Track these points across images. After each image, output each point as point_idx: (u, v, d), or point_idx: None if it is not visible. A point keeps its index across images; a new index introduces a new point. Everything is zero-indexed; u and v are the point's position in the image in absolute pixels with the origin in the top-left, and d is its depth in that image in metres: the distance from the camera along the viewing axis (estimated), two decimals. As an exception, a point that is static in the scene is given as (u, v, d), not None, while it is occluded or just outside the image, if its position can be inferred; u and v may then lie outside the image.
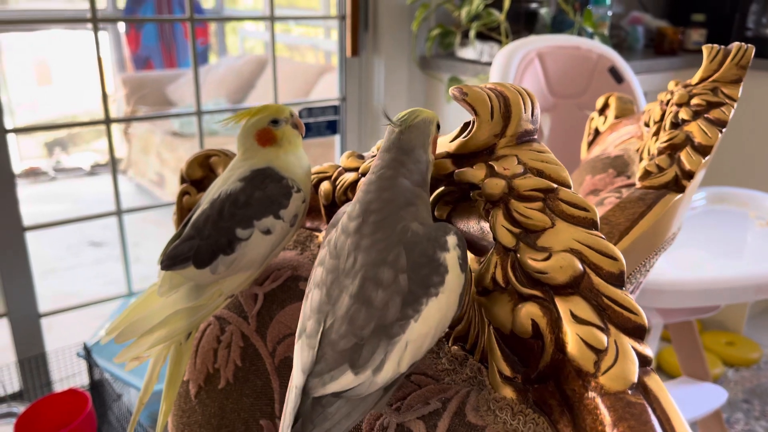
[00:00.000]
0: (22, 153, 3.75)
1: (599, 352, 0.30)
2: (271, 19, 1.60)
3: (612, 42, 1.82)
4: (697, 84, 0.62)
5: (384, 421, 0.38)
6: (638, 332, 0.31)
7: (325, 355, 0.33)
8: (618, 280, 0.33)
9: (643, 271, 0.57)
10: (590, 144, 0.91)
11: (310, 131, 1.69)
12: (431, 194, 0.41)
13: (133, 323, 0.45)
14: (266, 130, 0.48)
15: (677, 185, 0.57)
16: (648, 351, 0.31)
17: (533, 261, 0.34)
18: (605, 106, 0.89)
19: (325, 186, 0.50)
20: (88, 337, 1.44)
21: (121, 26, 3.70)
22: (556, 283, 0.33)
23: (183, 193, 0.60)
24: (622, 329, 0.31)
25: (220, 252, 0.45)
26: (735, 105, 0.59)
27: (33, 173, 3.59)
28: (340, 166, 0.49)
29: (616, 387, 0.29)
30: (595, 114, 0.91)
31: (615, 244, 0.51)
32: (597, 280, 0.33)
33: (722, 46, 0.62)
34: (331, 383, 0.33)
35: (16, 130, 1.43)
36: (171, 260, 0.45)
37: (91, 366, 1.32)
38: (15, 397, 1.36)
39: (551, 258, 0.33)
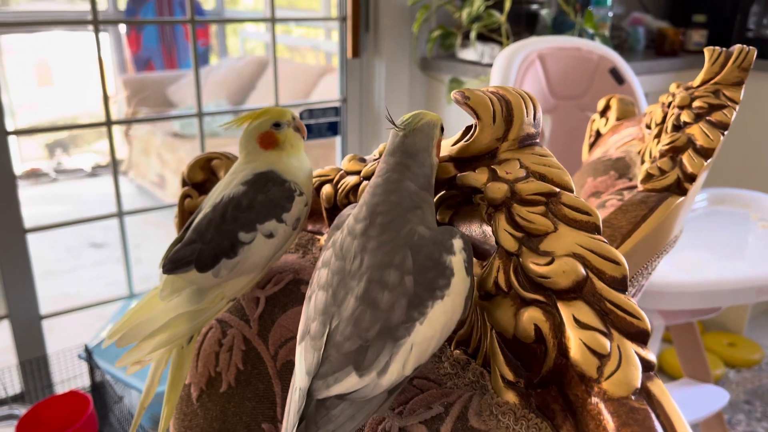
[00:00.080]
0: (23, 154, 3.75)
1: (602, 357, 0.30)
2: (272, 20, 1.60)
3: (613, 43, 1.82)
4: (698, 86, 0.62)
5: (386, 425, 0.38)
6: (641, 337, 0.31)
7: (330, 357, 0.33)
8: (621, 284, 0.33)
9: (645, 274, 0.57)
10: (591, 146, 0.91)
11: (311, 132, 1.69)
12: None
13: (135, 327, 0.45)
14: (268, 133, 0.48)
15: (679, 188, 0.57)
16: (651, 356, 0.31)
17: (536, 265, 0.34)
18: (606, 107, 0.89)
19: (326, 189, 0.50)
20: (89, 338, 1.44)
21: (122, 27, 3.70)
22: (558, 288, 0.33)
23: (184, 196, 0.60)
24: (625, 334, 0.31)
25: (222, 256, 0.45)
26: (737, 107, 0.59)
27: (34, 174, 3.60)
28: (341, 170, 0.49)
29: (620, 392, 0.29)
30: (596, 116, 0.91)
31: (617, 248, 0.51)
32: (600, 285, 0.33)
33: (724, 49, 0.62)
34: (336, 385, 0.33)
35: (17, 132, 1.43)
36: (173, 264, 0.45)
37: (93, 368, 1.32)
38: (16, 399, 1.36)
39: (554, 262, 0.33)
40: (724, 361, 1.80)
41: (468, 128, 0.40)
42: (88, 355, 1.31)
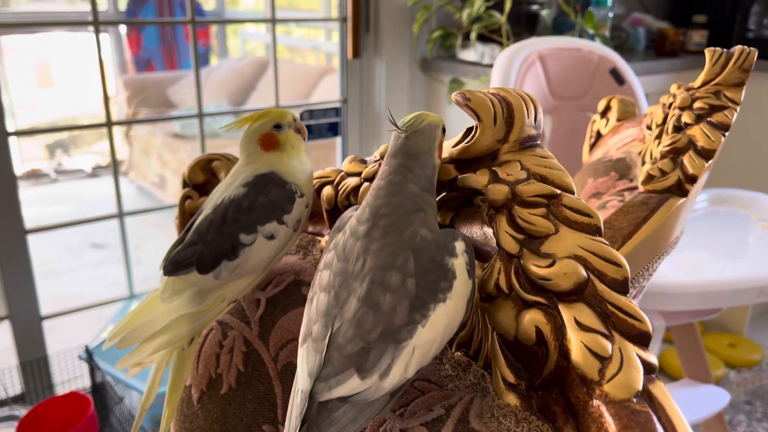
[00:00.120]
0: (24, 155, 3.75)
1: (603, 359, 0.30)
2: (273, 21, 1.60)
3: (613, 43, 1.82)
4: (699, 87, 0.62)
5: (387, 426, 0.38)
6: (643, 339, 0.31)
7: (332, 359, 0.33)
8: (622, 286, 0.33)
9: (646, 275, 0.57)
10: (592, 146, 0.91)
11: (312, 133, 1.69)
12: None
13: (136, 329, 0.45)
14: (269, 134, 0.48)
15: (680, 189, 0.57)
16: (653, 358, 0.31)
17: (537, 267, 0.34)
18: (607, 108, 0.89)
19: (327, 191, 0.50)
20: (90, 339, 1.44)
21: (123, 28, 3.71)
22: (560, 290, 0.33)
23: (185, 198, 0.60)
24: (626, 336, 0.31)
25: (223, 257, 0.45)
26: (738, 108, 0.59)
27: (34, 175, 3.60)
28: (342, 171, 0.49)
29: (621, 395, 0.29)
30: (596, 116, 0.91)
31: (618, 249, 0.51)
32: (601, 287, 0.33)
33: (725, 50, 0.62)
34: (338, 387, 0.33)
35: (18, 133, 1.43)
36: (174, 266, 0.45)
37: (93, 369, 1.32)
38: (17, 400, 1.36)
39: (555, 264, 0.33)
40: (724, 361, 1.80)
41: (469, 130, 0.40)
42: (89, 356, 1.31)
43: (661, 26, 1.95)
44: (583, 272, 0.33)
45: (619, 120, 0.86)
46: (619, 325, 0.32)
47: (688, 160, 0.57)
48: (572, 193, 0.36)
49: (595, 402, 0.30)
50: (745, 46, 0.61)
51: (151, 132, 3.21)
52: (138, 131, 3.36)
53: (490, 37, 1.59)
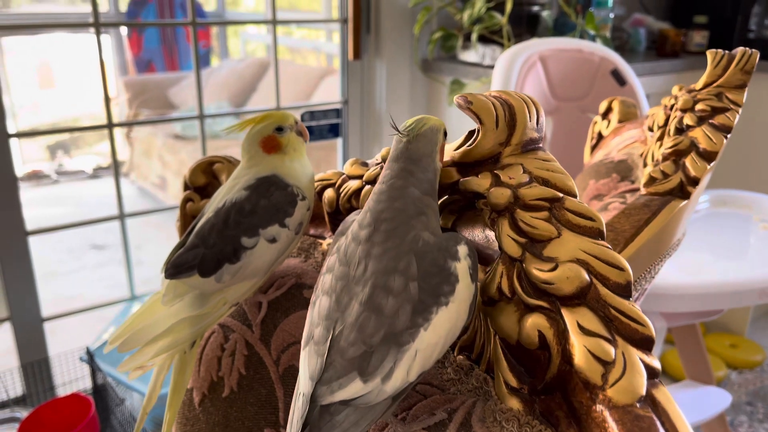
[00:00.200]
0: (25, 156, 3.76)
1: (607, 364, 0.30)
2: (273, 22, 1.60)
3: (614, 44, 1.82)
4: (701, 89, 0.62)
5: (390, 431, 0.38)
6: (646, 344, 0.31)
7: (334, 363, 0.33)
8: (625, 290, 0.33)
9: (648, 277, 0.57)
10: (593, 148, 0.91)
11: (312, 134, 1.69)
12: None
13: (137, 332, 0.45)
14: (271, 137, 0.48)
15: (682, 191, 0.57)
16: (656, 363, 0.31)
17: (539, 271, 0.33)
18: (608, 109, 0.89)
19: (328, 193, 0.49)
20: (91, 340, 1.44)
21: (123, 29, 3.71)
22: (562, 294, 0.33)
23: (186, 200, 0.60)
24: (629, 341, 0.31)
25: (225, 261, 0.45)
26: (740, 110, 0.59)
27: (35, 176, 3.60)
28: (343, 174, 0.49)
29: (624, 400, 0.29)
30: (598, 118, 0.91)
31: (620, 252, 0.51)
32: (604, 291, 0.33)
33: (726, 51, 0.62)
34: (340, 391, 0.33)
35: (19, 135, 1.43)
36: (175, 269, 0.45)
37: (94, 370, 1.32)
38: (18, 401, 1.36)
39: (558, 268, 0.33)
40: (726, 362, 1.79)
41: (471, 133, 0.39)
42: (90, 358, 1.31)
43: (662, 27, 1.95)
44: (586, 276, 0.33)
45: (620, 121, 0.86)
46: (622, 329, 0.32)
47: (690, 163, 0.57)
48: (575, 196, 0.36)
49: (599, 407, 0.30)
50: (747, 48, 0.61)
51: (152, 133, 3.22)
52: (139, 132, 3.36)
53: (491, 38, 1.59)
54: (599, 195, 0.76)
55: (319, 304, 0.35)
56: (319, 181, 0.51)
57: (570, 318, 0.32)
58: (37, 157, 3.80)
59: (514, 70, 1.28)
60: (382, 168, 0.44)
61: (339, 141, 1.79)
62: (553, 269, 0.33)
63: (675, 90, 0.67)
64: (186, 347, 0.48)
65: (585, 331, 0.31)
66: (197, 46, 1.51)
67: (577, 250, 0.34)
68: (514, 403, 0.35)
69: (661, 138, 0.65)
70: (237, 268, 0.45)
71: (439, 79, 1.73)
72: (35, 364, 1.35)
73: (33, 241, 1.34)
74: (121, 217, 1.46)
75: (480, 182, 0.37)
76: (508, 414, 0.35)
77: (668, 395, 0.30)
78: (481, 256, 0.41)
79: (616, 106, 0.87)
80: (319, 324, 0.34)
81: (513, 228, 0.35)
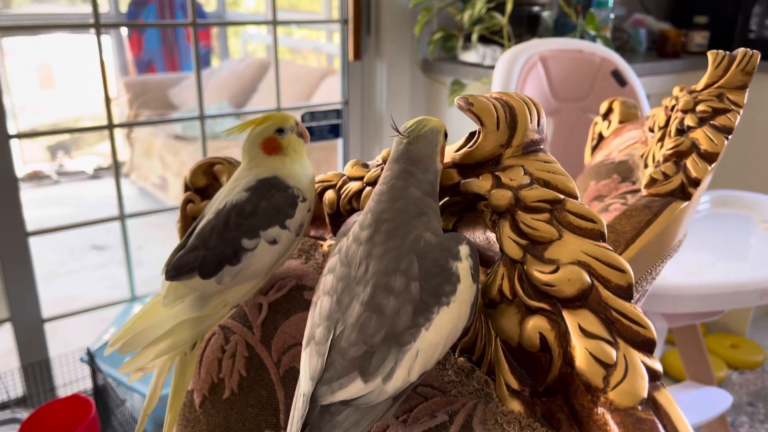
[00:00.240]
0: (25, 157, 3.76)
1: (608, 366, 0.30)
2: (274, 23, 1.60)
3: (614, 45, 1.82)
4: (702, 90, 0.62)
5: (390, 433, 0.38)
6: (647, 346, 0.31)
7: (335, 363, 0.33)
8: (626, 292, 0.33)
9: (649, 279, 0.57)
10: (594, 149, 0.91)
11: (313, 135, 1.69)
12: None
13: (138, 334, 0.45)
14: (272, 139, 0.48)
15: (683, 193, 0.57)
16: (657, 365, 0.31)
17: (540, 273, 0.33)
18: (609, 110, 0.89)
19: (329, 195, 0.49)
20: (92, 341, 1.44)
21: (124, 30, 3.71)
22: (563, 296, 0.33)
23: (187, 201, 0.60)
24: (631, 343, 0.31)
25: (225, 262, 0.45)
26: (741, 111, 0.59)
27: (36, 177, 3.60)
28: (344, 175, 0.49)
29: (626, 403, 0.29)
30: (598, 118, 0.91)
31: (621, 253, 0.51)
32: (605, 293, 0.32)
33: (727, 52, 0.62)
34: (340, 391, 0.32)
35: (20, 135, 1.43)
36: (176, 270, 0.45)
37: (95, 371, 1.32)
38: (19, 402, 1.36)
39: (559, 270, 0.33)
40: (726, 363, 1.79)
41: (471, 134, 0.39)
42: (91, 359, 1.31)
43: (663, 27, 1.95)
44: (587, 278, 0.33)
45: (621, 122, 0.86)
46: (623, 331, 0.31)
47: (691, 164, 0.57)
48: (576, 198, 0.36)
49: (600, 409, 0.30)
50: (748, 49, 0.61)
51: (152, 133, 3.22)
52: (139, 133, 3.36)
53: (491, 38, 1.59)
54: (600, 196, 0.76)
55: (320, 305, 0.35)
56: (319, 182, 0.51)
57: (571, 320, 0.32)
58: (37, 157, 3.80)
59: (515, 70, 1.28)
60: (382, 169, 0.44)
61: (339, 141, 1.79)
62: (555, 271, 0.33)
63: (676, 91, 0.67)
64: (187, 349, 0.48)
65: (586, 333, 0.31)
66: (197, 47, 1.51)
67: (579, 252, 0.34)
68: (516, 406, 0.35)
69: (662, 139, 0.65)
70: (237, 269, 0.45)
71: (440, 79, 1.73)
72: (36, 365, 1.35)
73: (33, 242, 1.34)
74: (122, 217, 1.46)
75: (481, 184, 0.37)
76: (510, 416, 0.34)
77: (670, 397, 0.30)
78: (482, 258, 0.41)
79: (616, 106, 0.87)
80: (320, 324, 0.34)
81: (514, 230, 0.35)
